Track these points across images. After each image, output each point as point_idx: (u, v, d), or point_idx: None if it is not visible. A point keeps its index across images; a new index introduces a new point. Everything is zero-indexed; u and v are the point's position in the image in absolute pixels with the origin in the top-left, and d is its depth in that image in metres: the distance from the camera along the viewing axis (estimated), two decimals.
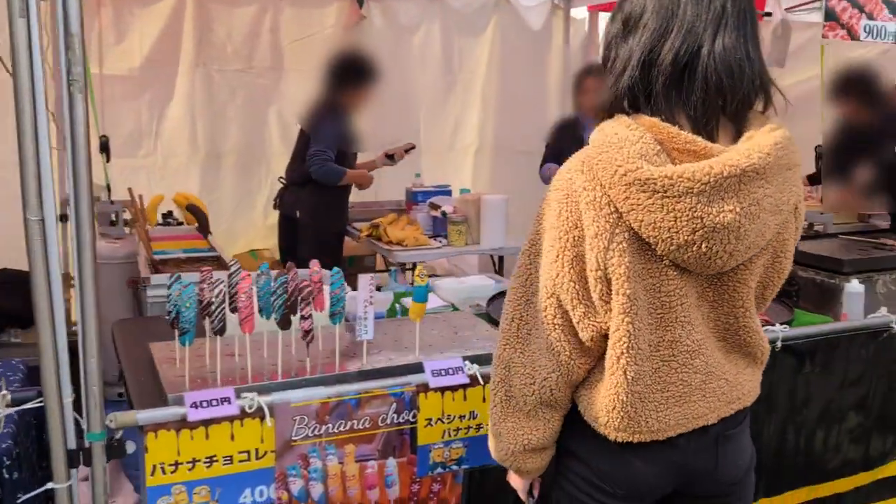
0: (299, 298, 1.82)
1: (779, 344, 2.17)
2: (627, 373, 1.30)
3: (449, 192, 4.33)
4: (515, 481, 1.54)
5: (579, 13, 5.78)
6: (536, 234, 1.36)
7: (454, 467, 1.92)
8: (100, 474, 1.54)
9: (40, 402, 1.49)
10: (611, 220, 1.25)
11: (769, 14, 5.94)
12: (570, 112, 4.22)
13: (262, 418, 1.69)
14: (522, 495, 1.55)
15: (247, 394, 1.69)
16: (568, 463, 1.46)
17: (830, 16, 2.29)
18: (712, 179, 1.18)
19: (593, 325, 1.31)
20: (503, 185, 5.13)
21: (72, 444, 1.52)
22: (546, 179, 4.01)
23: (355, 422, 1.79)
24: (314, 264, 1.96)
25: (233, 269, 1.86)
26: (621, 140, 1.24)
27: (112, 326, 2.40)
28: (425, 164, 5.28)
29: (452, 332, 2.20)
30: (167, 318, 1.81)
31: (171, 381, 1.76)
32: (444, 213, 3.86)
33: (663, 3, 1.27)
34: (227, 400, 1.66)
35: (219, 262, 2.97)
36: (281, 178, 4.21)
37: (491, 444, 1.49)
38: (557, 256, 1.30)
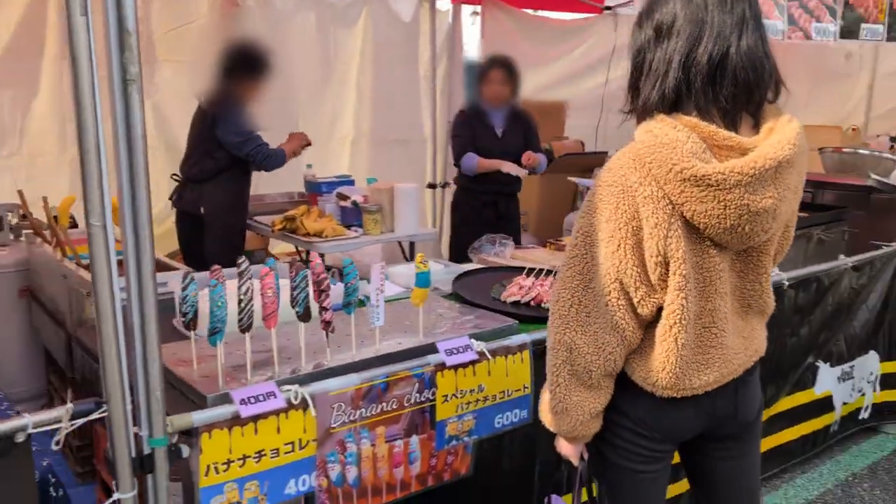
0: (319, 290, 1.86)
1: None
2: (678, 339, 1.51)
3: (352, 182, 4.38)
4: (569, 449, 1.69)
5: (444, 5, 5.97)
6: (590, 226, 1.51)
7: (465, 438, 2.05)
8: (163, 480, 1.51)
9: (104, 412, 1.44)
10: (667, 212, 1.43)
11: (608, 8, 6.48)
12: (465, 102, 4.36)
13: (305, 409, 1.73)
14: (575, 460, 1.70)
15: (288, 386, 1.72)
16: (609, 416, 1.64)
17: (791, 21, 2.67)
18: (756, 172, 1.39)
19: (653, 302, 1.50)
20: (381, 173, 5.22)
21: (133, 452, 1.48)
22: (469, 170, 4.12)
23: (385, 404, 1.87)
24: (315, 257, 1.99)
25: (242, 267, 1.86)
26: (672, 141, 1.42)
27: (76, 334, 2.28)
28: (305, 154, 5.27)
29: (435, 314, 2.31)
30: (183, 319, 1.79)
31: (202, 382, 1.75)
32: (355, 203, 3.91)
33: (694, 11, 1.46)
34: (272, 394, 1.68)
35: (159, 264, 2.85)
36: (174, 175, 4.06)
37: (553, 420, 1.63)
38: (619, 246, 1.46)
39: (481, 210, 4.22)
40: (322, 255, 3.79)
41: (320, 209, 4.00)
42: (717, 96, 1.46)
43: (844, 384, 3.39)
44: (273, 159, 3.89)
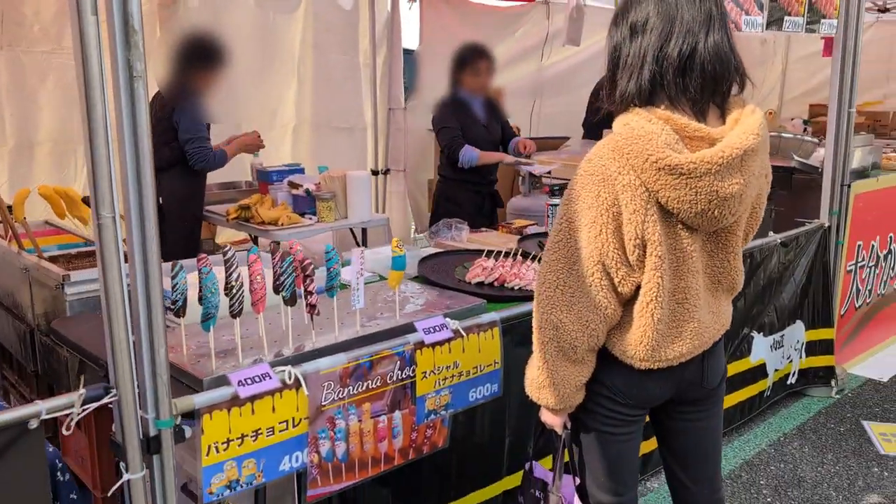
0: (304, 275, 1.94)
1: None
2: (654, 315, 1.66)
3: (302, 171, 4.41)
4: (554, 420, 1.82)
5: None
6: (573, 213, 1.63)
7: (443, 412, 2.17)
8: (169, 460, 1.58)
9: (114, 396, 1.50)
10: (644, 198, 1.57)
11: None
12: (443, 92, 4.33)
13: (298, 388, 1.81)
14: (559, 429, 1.84)
15: (280, 367, 1.80)
16: (589, 387, 1.77)
17: None
18: (724, 161, 1.54)
19: (633, 282, 1.64)
20: (323, 160, 5.26)
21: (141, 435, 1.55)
22: (468, 162, 4.12)
23: (370, 382, 1.97)
24: (295, 244, 2.07)
25: (229, 254, 1.92)
26: (648, 133, 1.55)
27: (53, 327, 2.29)
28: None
29: (406, 295, 2.42)
30: (172, 307, 1.84)
31: (196, 366, 1.81)
32: (308, 191, 3.96)
33: (665, 10, 1.60)
34: (266, 375, 1.76)
35: None
36: None
37: (544, 394, 1.75)
38: (601, 231, 1.60)
39: (482, 202, 4.23)
40: (277, 242, 3.84)
41: (272, 197, 4.03)
42: (687, 87, 1.60)
43: (776, 352, 3.66)
44: (210, 162, 3.90)
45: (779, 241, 3.52)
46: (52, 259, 2.78)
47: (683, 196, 1.56)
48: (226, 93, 5.16)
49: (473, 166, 4.12)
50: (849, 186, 3.92)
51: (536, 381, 1.75)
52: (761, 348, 3.54)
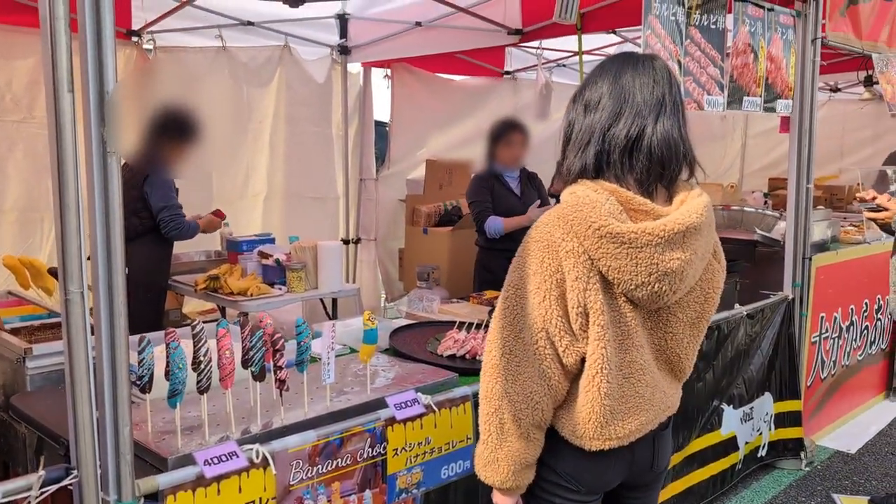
0: (274, 350, 1.92)
1: None
2: (601, 388, 1.63)
3: (273, 240, 4.41)
4: (504, 500, 1.73)
5: (354, 68, 6.15)
6: (520, 279, 1.63)
7: (414, 491, 2.12)
8: None
9: (75, 478, 1.44)
10: (587, 266, 1.58)
11: (508, 73, 6.86)
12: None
13: (266, 467, 1.76)
14: None
15: (248, 445, 1.75)
16: (538, 472, 1.72)
17: (687, 93, 2.96)
18: (666, 234, 1.55)
19: (576, 352, 1.62)
20: (295, 230, 5.26)
21: None
22: (496, 233, 4.15)
23: (339, 460, 1.93)
24: (265, 318, 2.05)
25: (197, 329, 1.89)
26: (592, 202, 1.57)
27: (11, 402, 2.22)
28: (219, 207, 5.25)
29: (377, 369, 2.39)
30: (137, 382, 1.80)
31: (160, 444, 1.76)
32: (277, 261, 3.95)
33: (619, 92, 1.64)
34: (233, 454, 1.72)
35: None
36: None
37: (486, 471, 1.68)
38: (545, 297, 1.59)
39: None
40: (246, 314, 3.79)
41: (242, 267, 4.01)
42: (633, 167, 1.63)
43: (746, 425, 3.66)
44: (184, 232, 3.94)
45: (745, 312, 3.57)
46: (14, 331, 2.72)
47: (624, 266, 1.56)
48: (197, 163, 5.20)
49: (503, 235, 4.15)
50: (810, 259, 4.01)
51: (482, 456, 1.69)
52: (732, 421, 3.54)
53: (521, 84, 6.83)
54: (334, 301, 4.19)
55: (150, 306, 3.83)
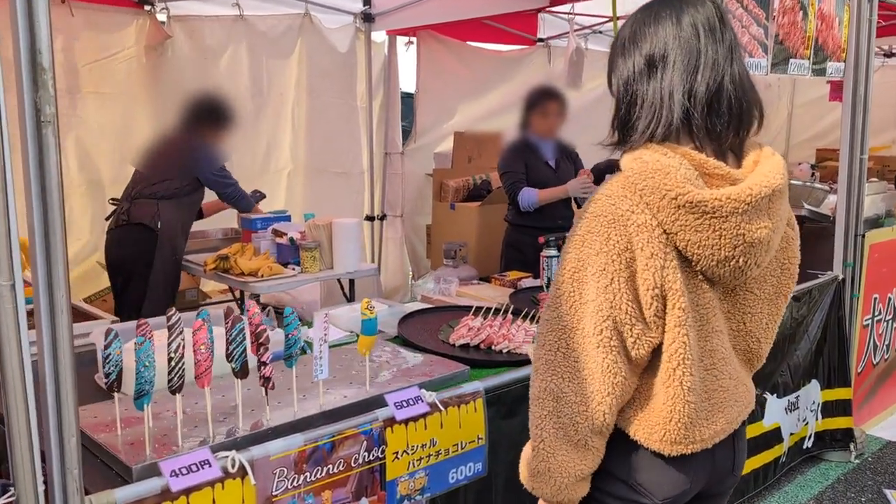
0: (258, 344, 1.72)
1: None
2: (684, 383, 1.39)
3: (289, 218, 4.23)
4: None
5: (379, 36, 5.91)
6: (578, 261, 1.38)
7: (418, 497, 1.92)
8: None
9: (12, 496, 1.27)
10: (662, 241, 1.34)
11: (541, 40, 6.57)
12: (511, 135, 4.13)
13: (244, 477, 1.58)
14: None
15: (223, 453, 1.57)
16: (601, 484, 1.48)
17: None
18: (753, 200, 1.32)
19: (648, 342, 1.38)
20: (318, 206, 5.09)
21: None
22: (529, 205, 3.91)
23: (331, 466, 1.73)
24: (252, 306, 1.86)
25: (172, 319, 1.71)
26: (665, 167, 1.33)
27: None
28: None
29: (381, 360, 2.19)
30: (105, 380, 1.63)
31: (127, 451, 1.58)
32: (291, 240, 3.76)
33: (686, 41, 1.38)
34: (206, 463, 1.53)
35: (77, 312, 2.65)
36: (112, 199, 3.98)
37: (535, 482, 1.46)
38: (612, 280, 1.35)
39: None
40: (258, 296, 3.63)
41: (255, 246, 3.83)
42: (714, 127, 1.39)
43: (791, 415, 3.39)
44: (245, 202, 4.14)
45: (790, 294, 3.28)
46: None
47: (706, 239, 1.33)
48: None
49: (537, 208, 3.91)
50: (863, 236, 3.71)
51: (531, 465, 1.46)
52: (775, 411, 3.28)
53: (555, 52, 6.51)
54: (351, 282, 4.00)
55: (172, 267, 3.79)
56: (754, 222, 1.34)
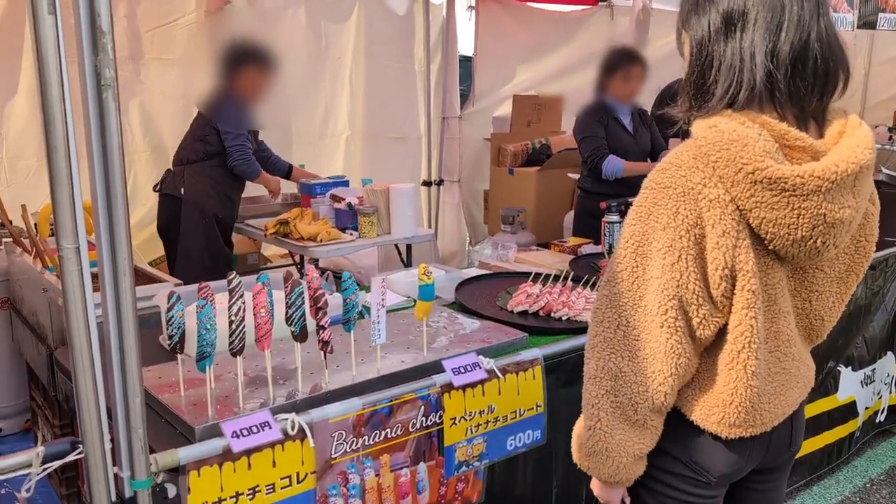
0: (317, 308, 1.72)
1: None
2: (748, 367, 1.33)
3: (347, 183, 4.23)
4: (608, 494, 1.48)
5: None
6: (643, 235, 1.32)
7: (476, 464, 1.91)
8: None
9: (80, 453, 1.30)
10: (735, 218, 1.26)
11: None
12: (586, 98, 3.99)
13: (303, 439, 1.59)
14: None
15: (284, 415, 1.58)
16: (656, 462, 1.45)
17: None
18: (838, 178, 1.22)
19: (714, 323, 1.33)
20: (375, 171, 5.09)
21: (113, 496, 1.34)
22: (612, 174, 3.76)
23: (389, 430, 1.73)
24: (311, 271, 1.85)
25: (233, 283, 1.72)
26: (743, 137, 1.24)
27: (55, 355, 2.13)
28: (296, 153, 5.13)
29: (438, 326, 2.18)
30: (168, 342, 1.65)
31: (190, 412, 1.61)
32: (350, 205, 3.77)
33: None
34: (266, 425, 1.54)
35: (142, 275, 2.71)
36: (169, 168, 3.98)
37: (590, 462, 1.43)
38: (679, 257, 1.28)
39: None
40: (316, 260, 3.66)
41: (314, 211, 3.85)
42: (798, 91, 1.29)
43: (867, 388, 3.26)
44: (246, 165, 3.85)
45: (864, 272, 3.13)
46: None
47: (782, 218, 1.25)
48: (275, 101, 5.07)
49: (618, 178, 3.78)
50: None
51: (586, 445, 1.41)
52: (850, 384, 3.15)
53: (618, 11, 6.31)
54: (408, 247, 3.99)
55: (206, 232, 3.79)
56: (837, 201, 1.25)
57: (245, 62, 3.67)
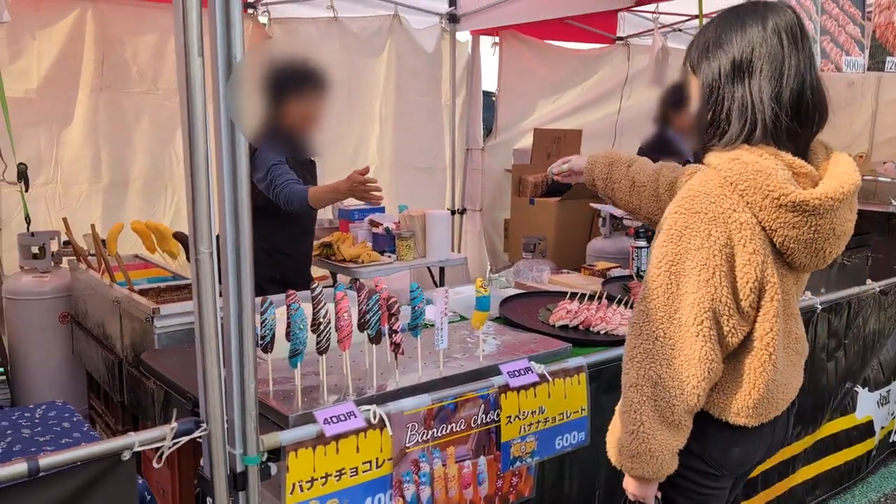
0: (390, 314, 1.93)
1: None
2: (777, 367, 1.57)
3: (383, 210, 4.45)
4: (644, 491, 1.64)
5: (463, 36, 6.10)
6: (676, 255, 1.51)
7: (528, 460, 2.10)
8: (255, 497, 1.57)
9: (205, 430, 1.50)
10: (761, 237, 1.49)
11: (621, 38, 6.63)
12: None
13: (382, 428, 1.78)
14: (651, 501, 1.67)
15: (365, 406, 1.78)
16: (680, 459, 1.62)
17: (824, 54, 2.78)
18: (844, 197, 1.47)
19: (742, 331, 1.55)
20: (403, 200, 5.30)
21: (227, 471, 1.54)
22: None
23: (454, 425, 1.92)
24: (380, 282, 2.06)
25: (316, 291, 1.93)
26: (766, 168, 1.46)
27: (142, 359, 2.33)
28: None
29: (489, 336, 2.37)
30: (260, 342, 1.85)
31: (282, 403, 1.81)
32: (387, 230, 3.99)
33: (772, 48, 1.51)
34: (351, 414, 1.74)
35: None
36: None
37: (632, 463, 1.58)
38: (713, 273, 1.48)
39: None
40: (357, 280, 3.86)
41: (353, 235, 4.07)
42: (796, 129, 1.52)
43: (883, 408, 3.44)
44: (291, 194, 3.19)
45: (878, 289, 3.32)
46: (142, 292, 2.86)
47: (802, 235, 1.48)
48: (314, 128, 5.31)
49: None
50: None
51: (628, 448, 1.58)
52: (867, 404, 3.33)
53: (635, 50, 6.59)
54: (441, 270, 4.20)
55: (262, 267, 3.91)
56: (842, 216, 1.49)
57: (295, 85, 3.75)
